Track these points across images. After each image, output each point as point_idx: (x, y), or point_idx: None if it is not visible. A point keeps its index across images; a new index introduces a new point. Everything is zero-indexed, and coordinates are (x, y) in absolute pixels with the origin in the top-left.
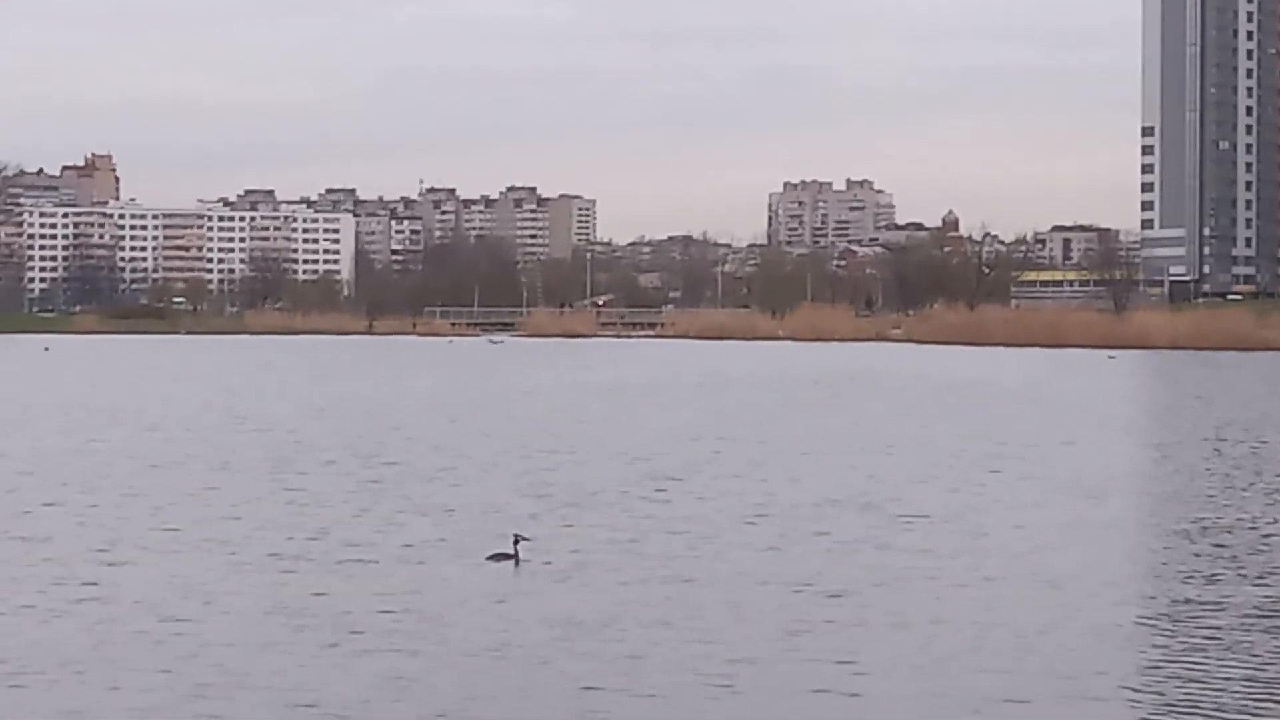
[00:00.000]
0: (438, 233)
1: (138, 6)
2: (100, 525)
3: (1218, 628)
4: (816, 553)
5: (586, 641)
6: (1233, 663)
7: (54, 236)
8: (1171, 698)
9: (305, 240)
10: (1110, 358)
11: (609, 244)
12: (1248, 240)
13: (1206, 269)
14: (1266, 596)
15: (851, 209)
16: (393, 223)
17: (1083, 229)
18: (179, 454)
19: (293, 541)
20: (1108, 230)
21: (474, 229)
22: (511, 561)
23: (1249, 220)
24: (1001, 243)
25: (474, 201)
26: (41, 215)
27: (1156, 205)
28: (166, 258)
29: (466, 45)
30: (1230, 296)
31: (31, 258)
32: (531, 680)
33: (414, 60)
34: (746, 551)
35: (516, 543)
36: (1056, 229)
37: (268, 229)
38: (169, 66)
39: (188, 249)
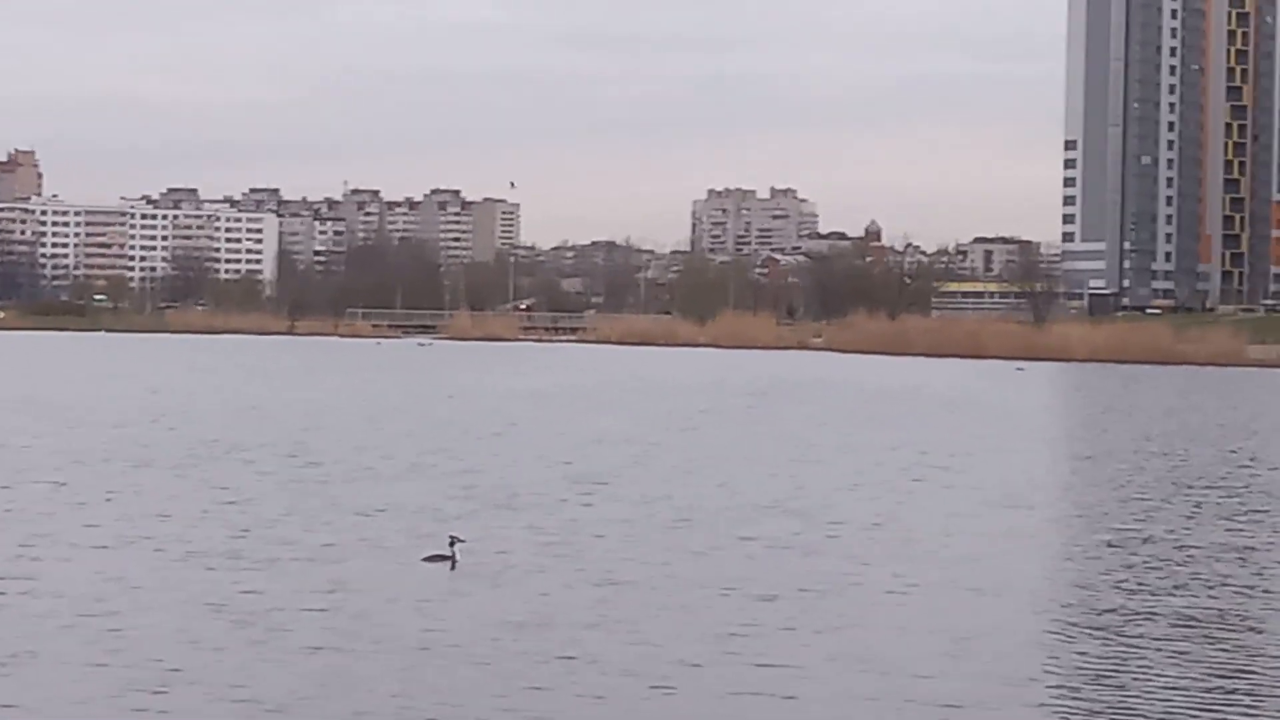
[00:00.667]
0: (361, 234)
1: (67, 5)
2: (24, 521)
3: (1140, 636)
4: (745, 557)
5: (525, 641)
6: (1155, 670)
7: None
8: (1095, 703)
9: (228, 239)
10: (1019, 369)
11: (532, 248)
12: (1167, 255)
13: (1126, 283)
14: (1186, 605)
15: (775, 217)
16: (316, 223)
17: (1004, 241)
18: (103, 451)
19: (222, 539)
20: (1029, 242)
21: (397, 231)
22: (448, 563)
23: (1169, 235)
24: (923, 253)
25: (398, 204)
26: None
27: (1078, 218)
28: (88, 255)
29: (399, 48)
30: (1149, 311)
31: None
32: (472, 679)
33: (347, 62)
34: (676, 555)
35: (452, 544)
36: (978, 240)
37: (190, 227)
38: (99, 66)
39: (109, 246)
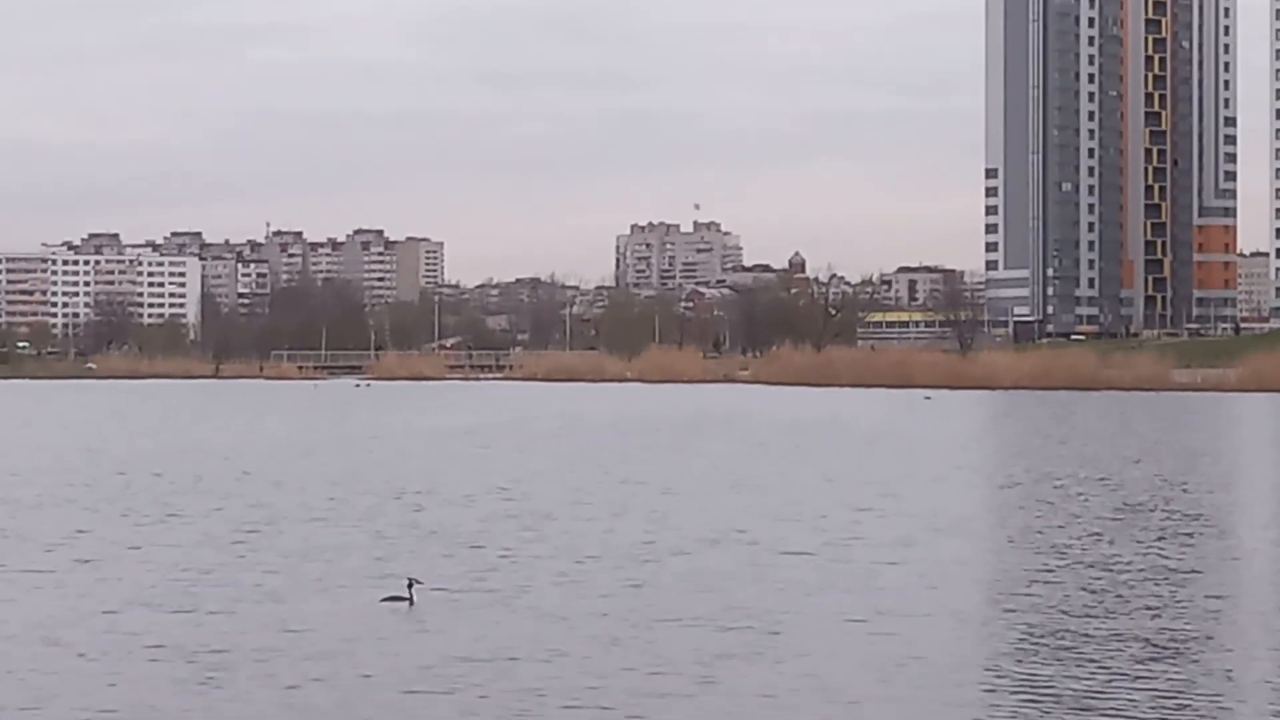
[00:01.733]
0: (285, 276)
1: None
2: None
3: (1086, 658)
4: (692, 590)
5: (487, 675)
6: (1100, 691)
7: None
8: None
9: (151, 284)
10: (926, 398)
11: (457, 286)
12: (1091, 281)
13: (1050, 309)
14: (1130, 627)
15: (699, 251)
16: (239, 266)
17: (929, 270)
18: (37, 497)
19: (172, 583)
20: (953, 271)
21: (321, 272)
22: (405, 603)
23: (1092, 261)
24: (848, 284)
25: (321, 244)
26: None
27: (1001, 246)
28: (10, 302)
29: (320, 88)
30: (1074, 336)
31: None
32: (441, 713)
33: (267, 103)
34: (624, 589)
35: (410, 586)
36: (902, 270)
37: (113, 272)
38: (17, 108)
39: (31, 293)
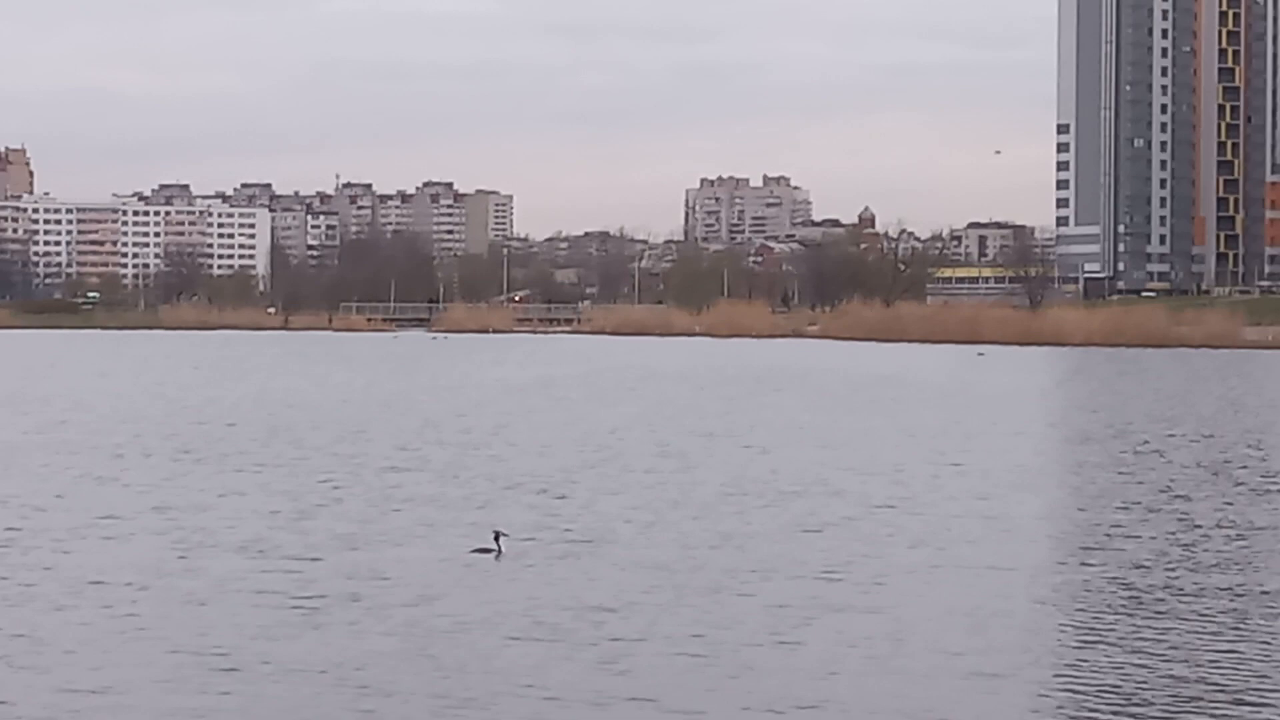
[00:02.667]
0: (354, 228)
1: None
2: (80, 511)
3: (1166, 611)
4: (778, 540)
5: (582, 623)
6: (1180, 644)
7: None
8: (1110, 680)
9: (221, 235)
10: (980, 354)
11: (526, 239)
12: (1162, 238)
13: (1121, 266)
14: (1211, 583)
15: (768, 205)
16: (309, 218)
17: (999, 226)
18: (119, 446)
19: (259, 530)
20: (1023, 227)
21: (390, 224)
22: (493, 554)
23: (1163, 218)
24: (918, 239)
25: (390, 197)
26: None
27: (1072, 202)
28: (81, 252)
29: (390, 39)
30: (1144, 293)
31: None
32: (541, 658)
33: (337, 54)
34: (710, 539)
35: (497, 538)
36: (973, 226)
37: (183, 223)
38: (90, 59)
39: (102, 244)
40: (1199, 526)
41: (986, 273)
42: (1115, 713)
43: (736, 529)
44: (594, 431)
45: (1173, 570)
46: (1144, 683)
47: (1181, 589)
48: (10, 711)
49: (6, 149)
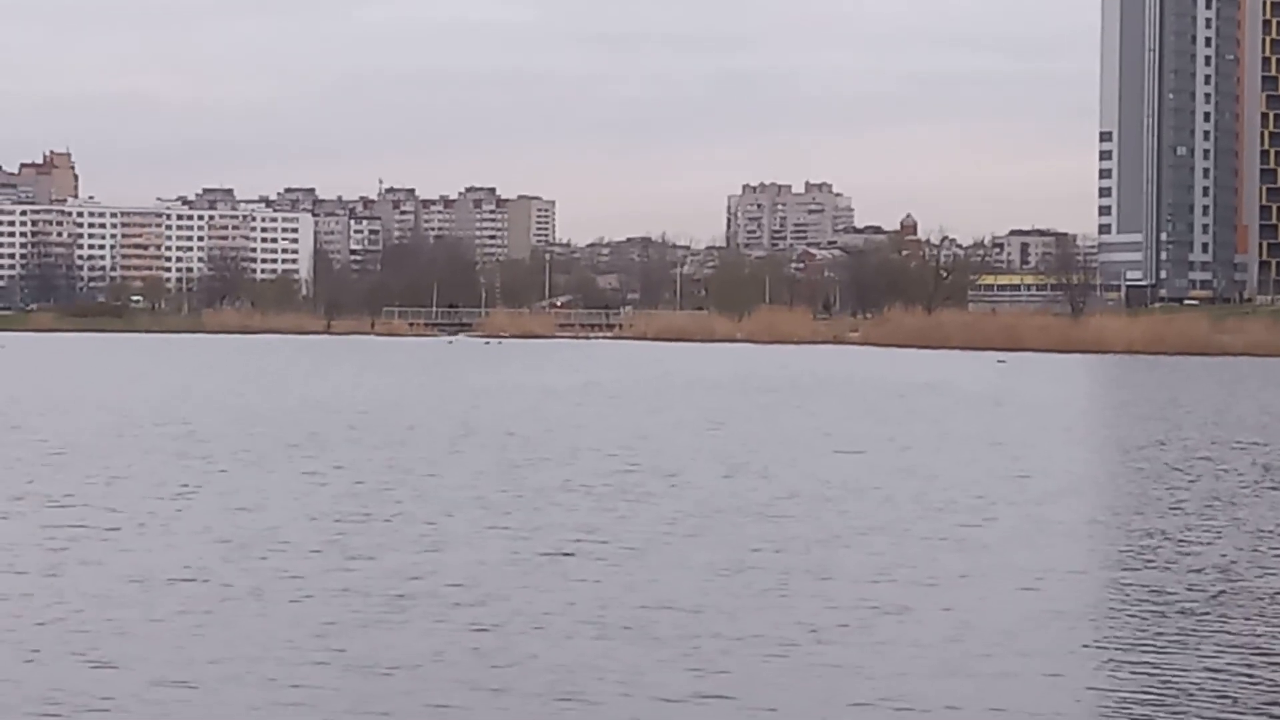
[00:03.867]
0: (396, 233)
1: (100, 4)
2: (162, 506)
3: (1217, 623)
4: (834, 545)
5: (669, 621)
6: (1217, 655)
7: (11, 234)
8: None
9: (264, 239)
10: (1000, 362)
11: (568, 245)
12: (1204, 246)
13: (1163, 274)
14: (1254, 591)
15: (810, 212)
16: (351, 223)
17: (1040, 233)
18: (172, 448)
19: (324, 529)
20: (1065, 235)
21: (433, 229)
22: (559, 554)
23: (1206, 226)
24: (959, 246)
25: (433, 202)
26: None
27: (1114, 210)
28: (125, 256)
29: (430, 47)
30: (1186, 301)
31: None
32: (630, 654)
33: (377, 61)
34: (765, 543)
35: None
36: (1014, 233)
37: (226, 228)
38: (131, 64)
39: (146, 247)
40: (1253, 532)
41: (1028, 280)
42: (1176, 714)
43: (794, 532)
44: (644, 436)
45: (1229, 574)
46: (1204, 686)
47: (1238, 592)
48: (99, 704)
49: (51, 153)
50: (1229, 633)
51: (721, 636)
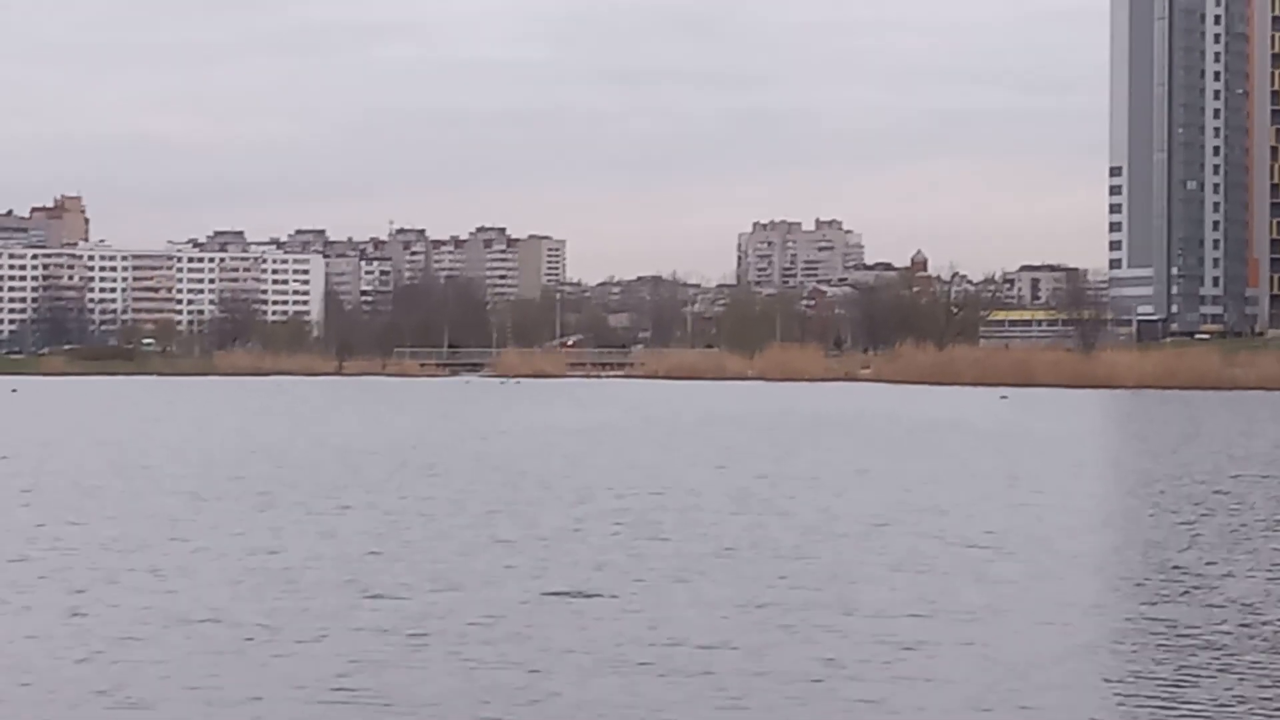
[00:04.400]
0: (407, 273)
1: (112, 45)
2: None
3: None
4: (857, 580)
5: (704, 657)
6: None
7: (23, 278)
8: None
9: (275, 281)
10: (1003, 398)
11: (578, 284)
12: (1215, 280)
13: (1174, 308)
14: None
15: (820, 249)
16: (362, 263)
17: (1051, 269)
18: (194, 491)
19: (351, 567)
20: (1076, 270)
21: (444, 269)
22: (579, 595)
23: (1216, 260)
24: (970, 282)
25: (444, 242)
26: (10, 257)
27: (1124, 245)
28: (136, 299)
29: (442, 86)
30: (1198, 336)
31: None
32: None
33: (390, 101)
34: (791, 578)
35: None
36: (1025, 269)
37: (237, 270)
38: (144, 105)
39: (157, 290)
40: (1271, 566)
41: (1040, 315)
42: None
43: (820, 568)
44: (662, 474)
45: (1250, 608)
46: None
47: (1259, 626)
48: None
49: (62, 196)
50: (1250, 667)
51: (742, 672)
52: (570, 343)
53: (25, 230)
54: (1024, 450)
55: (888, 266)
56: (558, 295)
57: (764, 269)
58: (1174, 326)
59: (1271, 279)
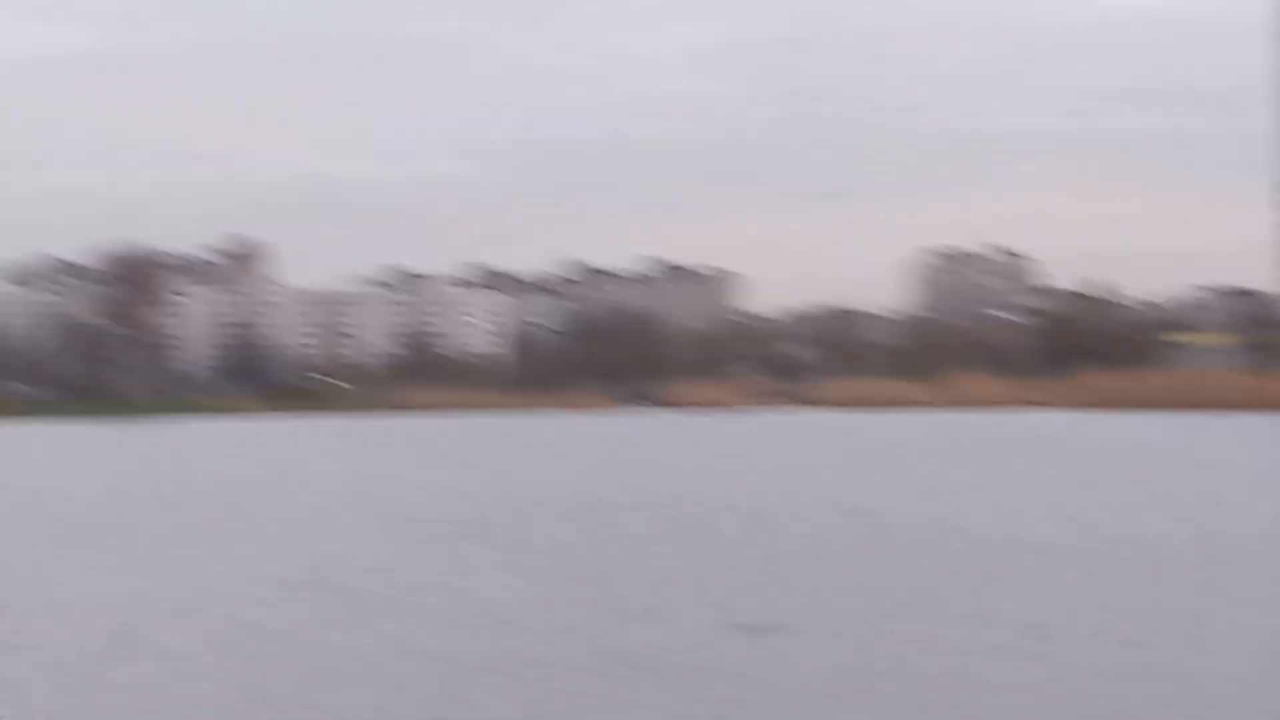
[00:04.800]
0: (586, 307)
1: (289, 91)
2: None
3: None
4: (1084, 602)
5: (913, 683)
6: None
7: (211, 324)
8: None
9: (455, 317)
10: (1199, 425)
11: (757, 315)
12: None
13: None
14: None
15: (999, 275)
16: (540, 297)
17: (1232, 291)
18: (398, 526)
19: (534, 607)
20: (1259, 292)
21: (621, 302)
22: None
23: None
24: (1152, 305)
25: (622, 275)
26: (202, 301)
27: None
28: (319, 339)
29: (615, 120)
30: None
31: (185, 341)
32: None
33: (565, 134)
34: (991, 603)
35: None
36: (1207, 290)
37: (418, 307)
38: (319, 148)
39: (341, 329)
40: None
41: (1222, 339)
42: None
43: (1016, 597)
44: (861, 502)
45: None
46: None
47: None
48: None
49: (247, 243)
50: None
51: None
52: (750, 374)
53: (211, 276)
54: (1235, 478)
55: (1067, 291)
56: (736, 326)
57: (942, 296)
58: None
59: None
